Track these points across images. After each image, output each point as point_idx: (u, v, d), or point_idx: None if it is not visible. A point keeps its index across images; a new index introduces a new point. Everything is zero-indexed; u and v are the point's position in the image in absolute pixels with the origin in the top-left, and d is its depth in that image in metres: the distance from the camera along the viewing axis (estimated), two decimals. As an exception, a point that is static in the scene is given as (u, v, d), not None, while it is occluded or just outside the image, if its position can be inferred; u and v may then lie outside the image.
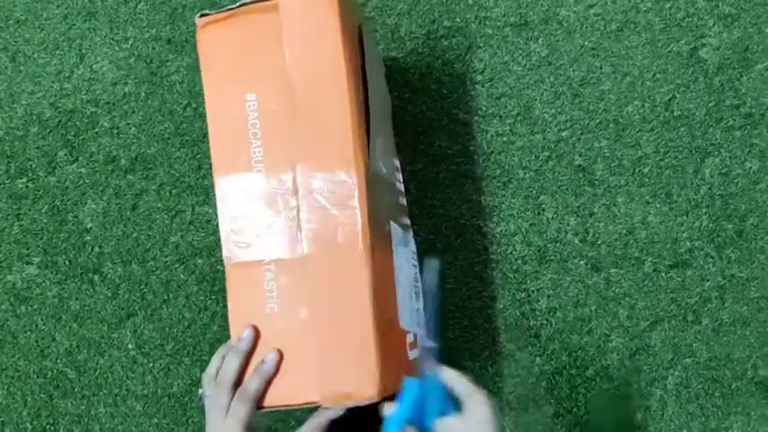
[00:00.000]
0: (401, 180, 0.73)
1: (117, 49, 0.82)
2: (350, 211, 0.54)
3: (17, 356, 0.79)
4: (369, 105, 0.58)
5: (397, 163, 0.73)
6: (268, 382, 0.54)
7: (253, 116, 0.57)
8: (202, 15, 0.59)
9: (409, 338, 0.64)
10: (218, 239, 0.57)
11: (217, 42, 0.59)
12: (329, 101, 0.55)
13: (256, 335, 0.55)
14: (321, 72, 0.55)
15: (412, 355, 0.64)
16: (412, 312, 0.66)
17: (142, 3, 0.82)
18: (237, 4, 0.58)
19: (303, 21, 0.56)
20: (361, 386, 0.53)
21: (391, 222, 0.63)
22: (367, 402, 0.53)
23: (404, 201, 0.72)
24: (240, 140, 0.57)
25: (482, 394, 0.52)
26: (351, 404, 0.53)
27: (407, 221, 0.72)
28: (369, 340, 0.53)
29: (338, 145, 0.54)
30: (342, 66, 0.55)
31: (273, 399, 0.55)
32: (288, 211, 0.56)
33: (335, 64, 0.55)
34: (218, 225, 0.57)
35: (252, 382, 0.54)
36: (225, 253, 0.57)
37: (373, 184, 0.57)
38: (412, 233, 0.72)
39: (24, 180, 0.82)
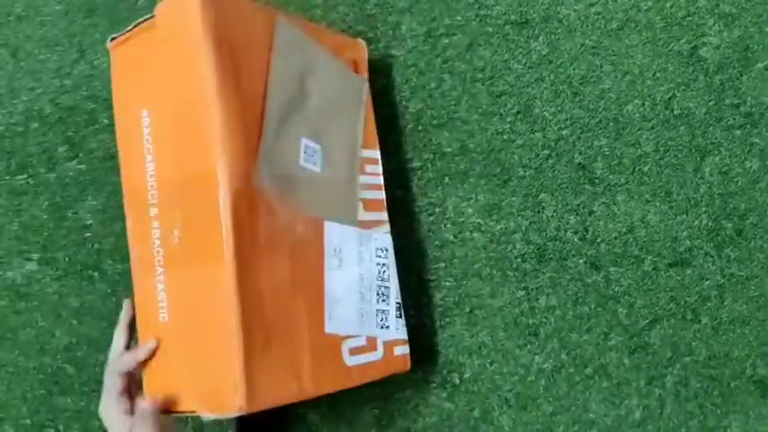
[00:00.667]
0: (377, 173, 0.72)
1: (117, 45, 0.82)
2: (216, 221, 0.53)
3: (16, 352, 0.80)
4: (265, 107, 0.58)
5: (368, 154, 0.71)
6: (141, 364, 0.59)
7: (146, 132, 0.59)
8: (113, 39, 0.61)
9: (354, 342, 0.64)
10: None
11: (123, 63, 0.62)
12: (200, 110, 0.55)
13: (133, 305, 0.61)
14: (194, 82, 0.55)
15: (357, 360, 0.63)
16: (364, 314, 0.65)
17: (142, -1, 0.82)
18: (132, 25, 0.60)
19: (175, 34, 0.57)
20: (229, 397, 0.52)
21: (326, 222, 0.63)
22: (238, 413, 0.52)
23: (374, 195, 0.71)
24: (138, 157, 0.59)
25: None
26: (228, 414, 0.53)
27: (374, 217, 0.70)
28: (235, 351, 0.52)
29: (208, 154, 0.54)
30: (210, 73, 0.54)
31: (160, 405, 0.57)
32: (173, 224, 0.57)
33: (204, 72, 0.55)
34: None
35: (123, 358, 0.59)
36: (131, 264, 0.60)
37: (272, 187, 0.57)
38: (385, 229, 0.71)
39: (24, 176, 0.82)
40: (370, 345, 0.66)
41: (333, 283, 0.62)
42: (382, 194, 0.72)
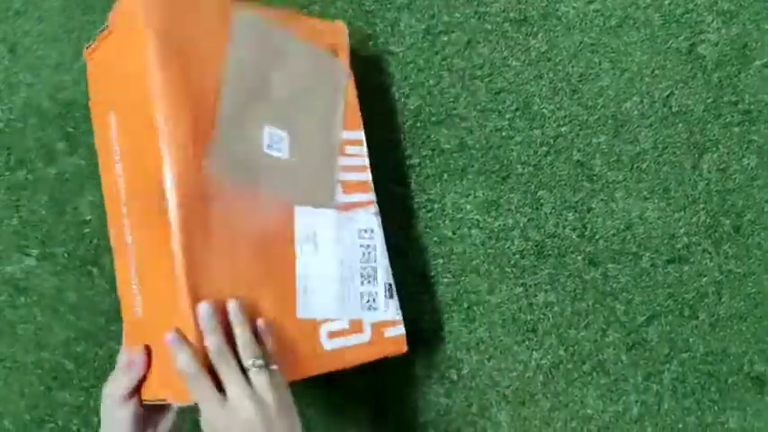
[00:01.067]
0: (361, 154, 0.71)
1: (116, 41, 0.82)
2: (165, 217, 0.55)
3: (14, 347, 0.80)
4: (220, 96, 0.59)
5: (349, 136, 0.70)
6: (141, 380, 0.58)
7: (114, 134, 0.61)
8: (87, 47, 0.63)
9: (334, 325, 0.64)
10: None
11: (95, 69, 0.64)
12: (146, 109, 0.56)
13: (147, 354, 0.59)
14: (141, 82, 0.56)
15: (337, 344, 0.63)
16: (346, 297, 0.65)
17: (142, -5, 0.82)
18: (98, 31, 0.61)
19: (124, 36, 0.58)
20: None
21: (297, 207, 0.63)
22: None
23: (356, 177, 0.70)
24: (110, 158, 0.61)
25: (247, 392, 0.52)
26: (189, 402, 0.54)
27: (356, 199, 0.69)
28: (192, 342, 0.54)
29: (155, 151, 0.55)
30: (154, 71, 0.55)
31: (145, 394, 0.59)
32: (137, 222, 0.59)
33: (149, 71, 0.56)
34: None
35: (122, 380, 0.58)
36: (115, 257, 0.62)
37: (229, 176, 0.58)
38: (372, 210, 0.70)
39: (23, 172, 0.82)
40: (354, 327, 0.65)
41: (306, 268, 0.62)
42: (367, 175, 0.71)
